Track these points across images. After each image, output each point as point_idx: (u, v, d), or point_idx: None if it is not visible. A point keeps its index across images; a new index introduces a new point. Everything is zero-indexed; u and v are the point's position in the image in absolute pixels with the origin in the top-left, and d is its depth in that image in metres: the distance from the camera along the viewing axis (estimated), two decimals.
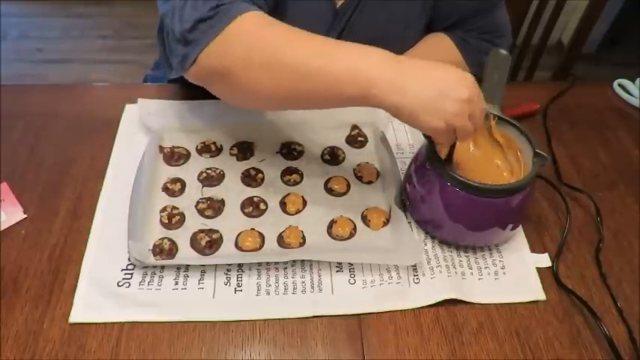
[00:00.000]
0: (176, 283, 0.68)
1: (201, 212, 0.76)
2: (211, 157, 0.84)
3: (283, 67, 0.62)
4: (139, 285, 0.68)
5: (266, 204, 0.77)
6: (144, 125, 0.85)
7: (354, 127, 0.89)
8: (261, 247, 0.72)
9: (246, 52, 0.63)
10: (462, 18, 0.93)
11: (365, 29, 0.87)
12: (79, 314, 0.65)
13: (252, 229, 0.74)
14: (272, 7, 0.79)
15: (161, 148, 0.83)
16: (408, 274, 0.70)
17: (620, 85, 1.00)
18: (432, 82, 0.58)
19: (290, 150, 0.85)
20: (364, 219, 0.76)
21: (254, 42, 0.63)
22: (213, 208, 0.76)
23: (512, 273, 0.72)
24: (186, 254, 0.71)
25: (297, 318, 0.66)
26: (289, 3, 0.81)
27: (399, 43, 0.92)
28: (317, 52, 0.61)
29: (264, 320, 0.66)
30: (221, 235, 0.73)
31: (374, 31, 0.88)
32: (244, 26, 0.64)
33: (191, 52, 0.65)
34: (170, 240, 0.72)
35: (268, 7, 0.77)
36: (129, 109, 0.89)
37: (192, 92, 0.93)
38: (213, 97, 0.89)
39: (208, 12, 0.64)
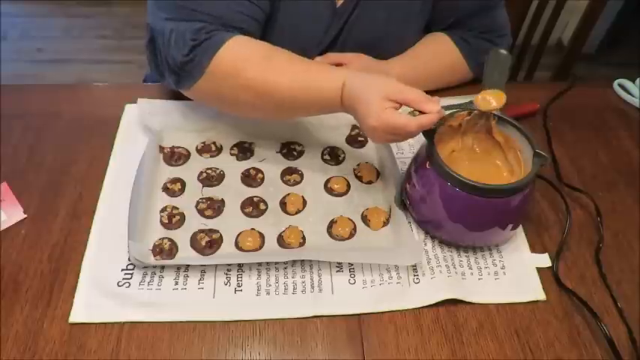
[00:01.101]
0: (176, 283, 0.68)
1: (201, 212, 0.76)
2: (211, 157, 0.84)
3: (266, 102, 0.71)
4: (139, 285, 0.68)
5: (266, 204, 0.77)
6: (144, 125, 0.85)
7: (354, 127, 0.89)
8: (261, 247, 0.72)
9: (230, 91, 0.72)
10: (461, 18, 0.93)
11: (364, 29, 0.87)
12: (79, 314, 0.65)
13: (252, 229, 0.74)
14: (269, 8, 0.79)
15: (161, 148, 0.83)
16: (408, 274, 0.70)
17: (620, 85, 1.00)
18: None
19: (290, 150, 0.85)
20: (364, 219, 0.76)
21: (235, 81, 0.71)
22: (213, 208, 0.76)
23: (512, 273, 0.72)
24: (186, 254, 0.71)
25: (297, 318, 0.66)
26: (288, 3, 0.81)
27: (398, 43, 0.92)
28: (293, 84, 0.70)
29: (264, 320, 0.66)
30: (221, 235, 0.73)
31: (373, 30, 0.88)
32: (223, 65, 0.70)
33: (183, 82, 0.73)
34: (170, 240, 0.72)
35: (264, 11, 0.78)
36: (129, 109, 0.89)
37: None
38: None
39: (188, 54, 0.70)
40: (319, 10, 0.85)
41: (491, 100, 0.69)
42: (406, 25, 0.91)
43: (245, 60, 0.71)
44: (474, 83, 0.95)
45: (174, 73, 0.73)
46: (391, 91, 0.65)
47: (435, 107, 0.64)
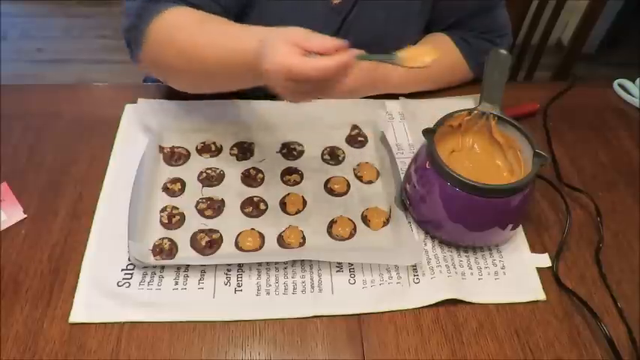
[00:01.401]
0: (176, 283, 0.68)
1: (201, 212, 0.76)
2: (211, 157, 0.84)
3: (196, 68, 0.71)
4: (139, 285, 0.68)
5: (266, 204, 0.77)
6: (144, 125, 0.85)
7: (354, 127, 0.89)
8: (261, 247, 0.72)
9: (167, 58, 0.73)
10: (462, 18, 0.93)
11: (363, 29, 0.87)
12: (79, 314, 0.65)
13: (252, 229, 0.74)
14: (246, 3, 0.80)
15: (161, 148, 0.83)
16: (408, 274, 0.70)
17: (620, 85, 1.00)
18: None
19: (290, 150, 0.85)
20: (364, 219, 0.76)
21: (170, 47, 0.72)
22: (213, 208, 0.76)
23: (512, 273, 0.72)
24: (186, 254, 0.71)
25: (297, 318, 0.66)
26: (273, 2, 0.81)
27: (397, 43, 0.92)
28: (218, 49, 0.67)
29: (264, 320, 0.66)
30: (221, 235, 0.73)
31: (372, 30, 0.88)
32: (160, 31, 0.72)
33: (134, 51, 0.76)
34: (170, 240, 0.72)
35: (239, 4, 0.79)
36: (129, 109, 0.89)
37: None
38: (212, 97, 0.90)
39: (134, 20, 0.74)
40: (312, 9, 0.85)
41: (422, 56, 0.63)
42: (405, 25, 0.91)
43: (179, 27, 0.71)
44: (475, 83, 0.95)
45: (127, 44, 0.76)
46: (296, 36, 0.58)
47: (334, 44, 0.57)
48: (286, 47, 0.57)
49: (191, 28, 0.70)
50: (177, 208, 0.76)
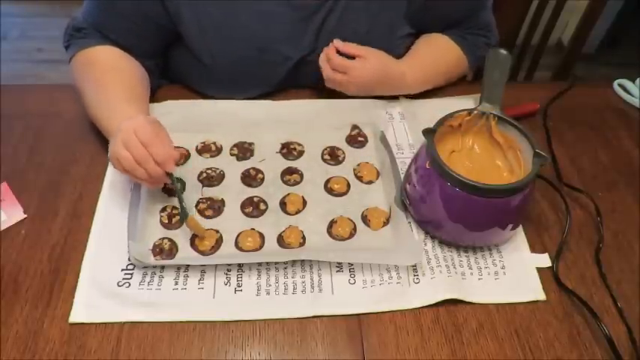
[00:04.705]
0: (176, 283, 0.68)
1: (201, 212, 0.76)
2: (211, 157, 0.84)
3: (85, 106, 0.83)
4: (139, 285, 0.68)
5: (266, 204, 0.77)
6: None
7: (354, 127, 0.89)
8: (261, 247, 0.72)
9: (75, 82, 0.86)
10: (454, 22, 0.94)
11: (346, 37, 0.87)
12: (79, 314, 0.65)
13: (252, 229, 0.74)
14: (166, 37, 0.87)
15: None
16: (408, 274, 0.70)
17: (620, 85, 1.00)
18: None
19: (290, 150, 0.85)
20: (364, 219, 0.76)
21: (77, 78, 0.85)
22: (213, 208, 0.76)
23: (512, 273, 0.72)
24: (186, 254, 0.71)
25: (297, 318, 0.66)
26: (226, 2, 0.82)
27: (385, 47, 0.91)
28: (95, 105, 0.81)
29: (264, 320, 0.66)
30: (221, 235, 0.73)
31: (356, 38, 0.88)
32: (75, 63, 0.86)
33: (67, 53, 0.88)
34: (170, 240, 0.72)
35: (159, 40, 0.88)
36: None
37: (191, 92, 0.93)
38: (212, 97, 0.90)
39: (66, 42, 0.88)
40: (273, 10, 0.84)
41: None
42: (391, 32, 0.91)
43: (86, 69, 0.83)
44: (475, 83, 0.95)
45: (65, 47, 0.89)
46: (144, 128, 0.70)
47: (171, 154, 0.71)
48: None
49: (91, 74, 0.83)
50: (178, 208, 0.75)
